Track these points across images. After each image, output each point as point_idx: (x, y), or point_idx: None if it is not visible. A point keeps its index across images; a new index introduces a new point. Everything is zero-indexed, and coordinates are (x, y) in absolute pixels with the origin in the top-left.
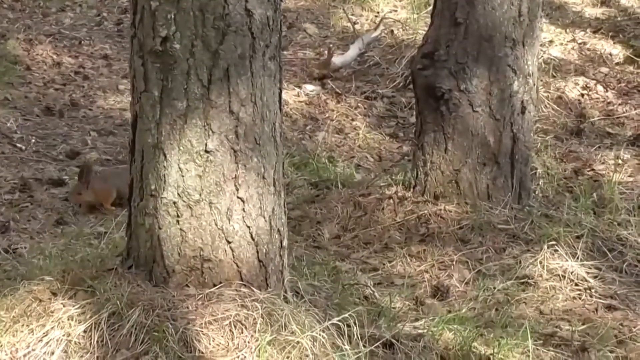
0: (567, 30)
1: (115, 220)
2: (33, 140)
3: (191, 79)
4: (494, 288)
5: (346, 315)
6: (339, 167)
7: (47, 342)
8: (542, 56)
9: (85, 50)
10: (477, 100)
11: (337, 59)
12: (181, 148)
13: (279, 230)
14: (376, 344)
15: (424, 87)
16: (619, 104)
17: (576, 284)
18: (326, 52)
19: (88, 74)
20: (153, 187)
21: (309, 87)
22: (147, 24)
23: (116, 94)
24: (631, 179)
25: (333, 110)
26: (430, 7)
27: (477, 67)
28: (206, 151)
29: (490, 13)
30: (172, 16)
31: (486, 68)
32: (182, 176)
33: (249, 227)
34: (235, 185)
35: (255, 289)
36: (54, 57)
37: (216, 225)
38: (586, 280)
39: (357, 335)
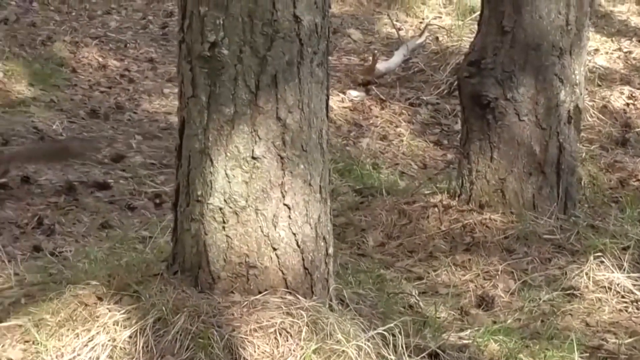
0: (613, 39)
1: (160, 224)
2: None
3: (239, 85)
4: (540, 299)
5: (391, 324)
6: (383, 174)
7: (93, 347)
8: (587, 65)
9: (130, 53)
10: (523, 109)
11: (382, 65)
12: (228, 154)
13: (324, 238)
14: (422, 355)
15: (470, 95)
16: None
17: (622, 296)
18: (370, 58)
19: (133, 77)
20: (199, 193)
21: (353, 93)
22: (195, 29)
23: (161, 98)
24: None
25: (377, 117)
26: (475, 14)
27: (524, 76)
28: (253, 157)
29: (538, 22)
30: (221, 22)
31: (533, 77)
32: (229, 182)
33: (294, 234)
34: (282, 192)
35: (300, 297)
36: (100, 59)
37: (262, 232)
38: (633, 293)
39: (402, 345)
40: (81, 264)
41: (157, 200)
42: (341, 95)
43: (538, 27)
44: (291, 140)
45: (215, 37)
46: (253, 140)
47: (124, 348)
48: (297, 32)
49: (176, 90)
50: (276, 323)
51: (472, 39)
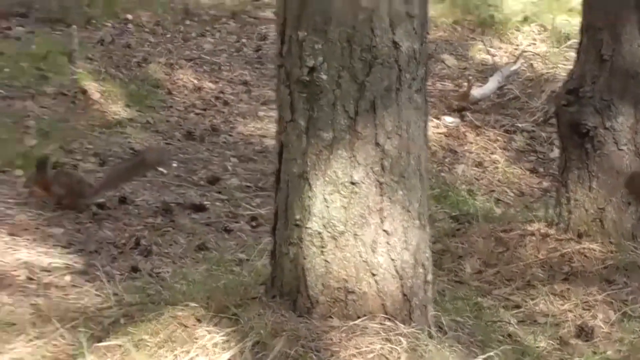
0: None
1: (256, 247)
2: (174, 165)
3: (337, 110)
4: None
5: (491, 353)
6: (478, 200)
7: None
8: None
9: (225, 75)
10: (622, 139)
11: (476, 92)
12: (326, 179)
13: (423, 265)
14: None
15: (568, 123)
16: None
17: None
18: (465, 84)
19: (228, 100)
20: (298, 217)
21: (448, 119)
22: (294, 53)
23: (256, 121)
24: None
25: (472, 143)
26: (570, 42)
27: (623, 105)
28: (351, 183)
29: (637, 50)
30: (320, 47)
31: (632, 106)
32: (327, 207)
33: (393, 260)
34: (380, 218)
35: (399, 323)
36: (195, 81)
37: (360, 257)
38: None
39: None
40: (179, 285)
41: (253, 223)
42: (436, 121)
43: (637, 55)
44: (390, 166)
45: (314, 62)
46: (352, 166)
47: None
48: (395, 58)
49: (271, 113)
50: (375, 349)
51: (567, 67)
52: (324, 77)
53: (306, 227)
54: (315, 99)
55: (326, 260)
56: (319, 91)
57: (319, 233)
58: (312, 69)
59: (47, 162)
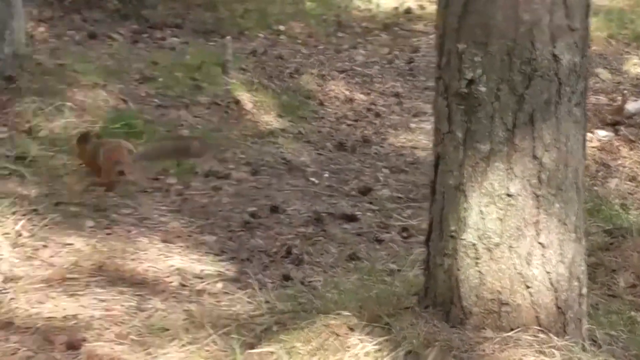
0: None
1: (408, 258)
2: (326, 175)
3: (495, 122)
4: None
5: None
6: (632, 215)
7: None
8: None
9: (376, 87)
10: None
11: (631, 106)
12: (482, 191)
13: (578, 278)
14: None
15: None
16: None
17: None
18: (619, 98)
19: (379, 112)
20: (453, 229)
21: (602, 133)
22: (453, 66)
23: (407, 132)
24: None
25: (625, 157)
26: None
27: None
28: (508, 195)
29: None
30: (479, 59)
31: None
32: (483, 219)
33: (548, 272)
34: (536, 231)
35: (552, 336)
36: (347, 93)
37: (515, 269)
38: None
39: None
40: (330, 294)
41: (405, 234)
42: (589, 134)
43: None
44: (547, 178)
45: (473, 75)
46: (508, 178)
47: None
48: (555, 71)
49: (422, 125)
50: None
51: None
52: (483, 89)
53: (461, 239)
54: (473, 111)
55: (480, 272)
56: (477, 103)
57: (474, 245)
58: (470, 81)
59: (89, 135)
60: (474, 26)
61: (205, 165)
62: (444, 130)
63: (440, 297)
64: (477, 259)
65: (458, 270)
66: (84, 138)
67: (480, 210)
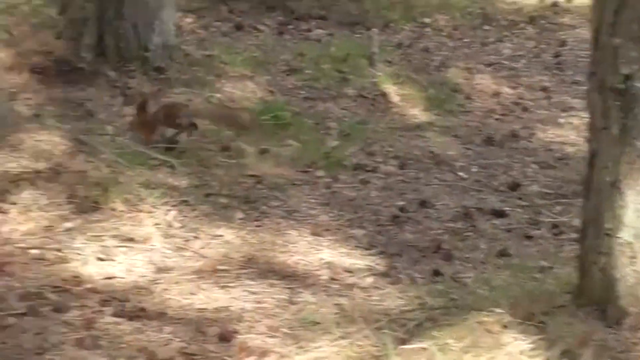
0: None
1: (559, 255)
2: (474, 170)
3: None
4: None
5: None
6: None
7: None
8: None
9: (523, 81)
10: None
11: None
12: (638, 188)
13: None
14: None
15: None
16: None
17: None
18: None
19: (527, 106)
20: (608, 227)
21: None
22: (608, 61)
23: (555, 127)
24: None
25: None
26: None
27: None
28: None
29: None
30: (635, 54)
31: None
32: (638, 217)
33: None
34: None
35: None
36: (493, 86)
37: None
38: None
39: None
40: (481, 290)
41: (555, 231)
42: None
43: None
44: None
45: (629, 70)
46: None
47: None
48: None
49: (571, 120)
50: None
51: None
52: (639, 85)
53: (617, 237)
54: (629, 107)
55: (637, 271)
56: (633, 100)
57: (630, 243)
58: (627, 77)
59: (147, 102)
60: (630, 21)
61: (353, 158)
62: (600, 126)
63: (595, 296)
64: (633, 258)
65: (614, 269)
66: (142, 105)
67: (637, 208)
